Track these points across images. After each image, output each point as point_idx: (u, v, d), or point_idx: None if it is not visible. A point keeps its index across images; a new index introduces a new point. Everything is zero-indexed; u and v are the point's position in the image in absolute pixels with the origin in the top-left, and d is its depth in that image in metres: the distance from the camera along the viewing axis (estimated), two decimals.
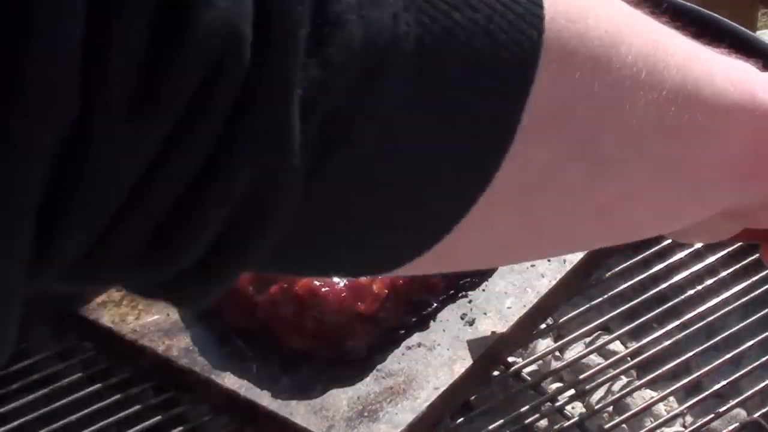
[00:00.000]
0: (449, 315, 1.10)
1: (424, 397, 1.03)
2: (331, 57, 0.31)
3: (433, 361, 1.06)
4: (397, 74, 0.33)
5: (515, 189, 0.38)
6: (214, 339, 1.10)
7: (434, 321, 1.10)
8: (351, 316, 1.08)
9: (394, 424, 1.01)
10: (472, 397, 1.11)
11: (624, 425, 1.11)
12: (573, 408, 1.13)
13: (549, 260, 1.16)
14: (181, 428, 1.08)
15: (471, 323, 1.10)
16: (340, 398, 1.03)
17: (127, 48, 0.27)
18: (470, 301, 1.12)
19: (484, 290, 1.13)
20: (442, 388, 1.04)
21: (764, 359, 1.13)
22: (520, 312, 1.11)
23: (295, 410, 1.02)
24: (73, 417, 1.12)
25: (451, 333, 1.09)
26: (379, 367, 1.06)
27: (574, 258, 1.16)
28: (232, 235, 0.32)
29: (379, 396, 1.03)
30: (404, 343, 1.08)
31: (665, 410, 1.15)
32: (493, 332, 1.09)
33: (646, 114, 0.40)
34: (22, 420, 1.13)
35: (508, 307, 1.11)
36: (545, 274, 1.15)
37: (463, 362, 1.06)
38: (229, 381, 1.06)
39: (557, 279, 1.14)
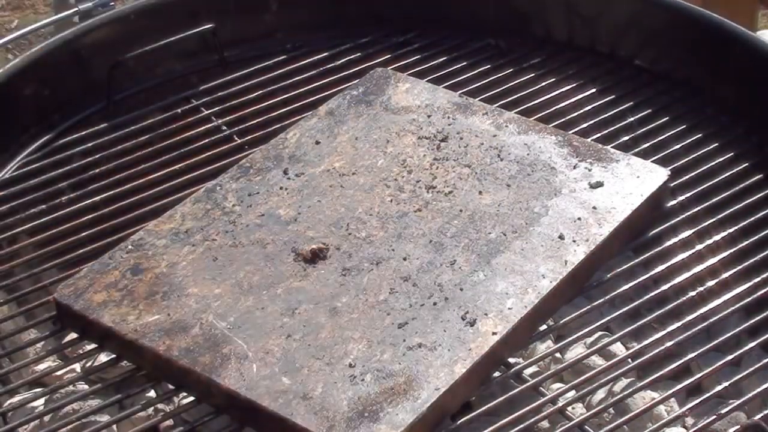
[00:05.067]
0: (450, 315, 1.10)
1: (425, 398, 1.03)
2: None
3: (434, 361, 1.06)
4: None
5: None
6: None
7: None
8: None
9: (395, 425, 1.01)
10: (472, 398, 1.11)
11: (625, 426, 1.11)
12: (574, 409, 1.13)
13: (550, 261, 1.16)
14: (181, 428, 1.08)
15: (472, 323, 1.10)
16: (341, 398, 1.03)
17: None
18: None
19: (485, 291, 1.13)
20: (443, 389, 1.04)
21: (765, 361, 1.13)
22: (521, 312, 1.11)
23: (295, 410, 1.02)
24: (73, 417, 1.12)
25: (451, 333, 1.09)
26: (379, 367, 1.06)
27: (576, 259, 1.16)
28: None
29: (379, 396, 1.03)
30: (404, 344, 1.08)
31: (666, 412, 1.15)
32: (494, 333, 1.09)
33: None
34: (21, 420, 1.13)
35: (509, 308, 1.11)
36: (546, 274, 1.15)
37: (464, 363, 1.06)
38: (229, 381, 1.05)
39: (558, 279, 1.14)
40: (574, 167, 1.28)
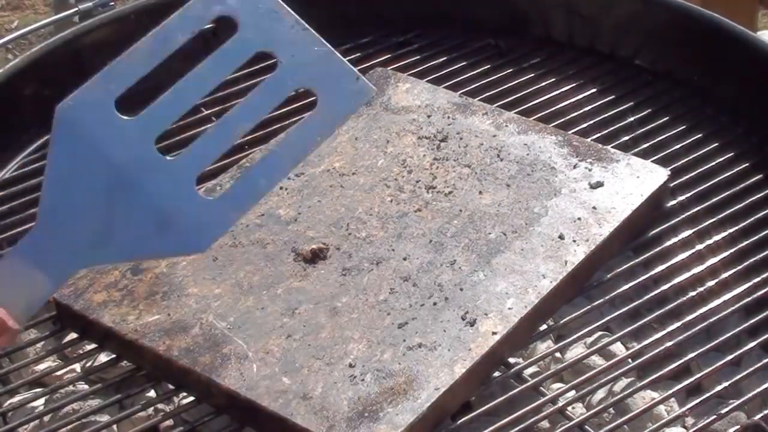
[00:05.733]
0: (450, 315, 1.11)
1: (425, 398, 1.03)
2: None
3: (434, 361, 1.06)
4: None
5: None
6: None
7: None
8: None
9: (395, 425, 1.01)
10: (472, 398, 1.11)
11: (625, 426, 1.11)
12: (574, 409, 1.13)
13: (550, 261, 1.16)
14: (181, 428, 1.08)
15: (472, 324, 1.10)
16: (341, 398, 1.03)
17: None
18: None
19: (485, 291, 1.13)
20: (443, 389, 1.04)
21: (765, 361, 1.13)
22: (521, 312, 1.11)
23: (295, 410, 1.02)
24: (73, 417, 1.12)
25: (451, 333, 1.09)
26: (379, 367, 1.06)
27: (576, 259, 1.16)
28: None
29: (379, 396, 1.03)
30: (404, 344, 1.08)
31: (666, 411, 1.15)
32: (494, 333, 1.09)
33: None
34: (21, 420, 1.13)
35: (509, 308, 1.11)
36: (546, 274, 1.15)
37: (464, 363, 1.06)
38: (230, 381, 1.05)
39: (558, 279, 1.14)
40: (574, 167, 1.28)
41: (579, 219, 1.21)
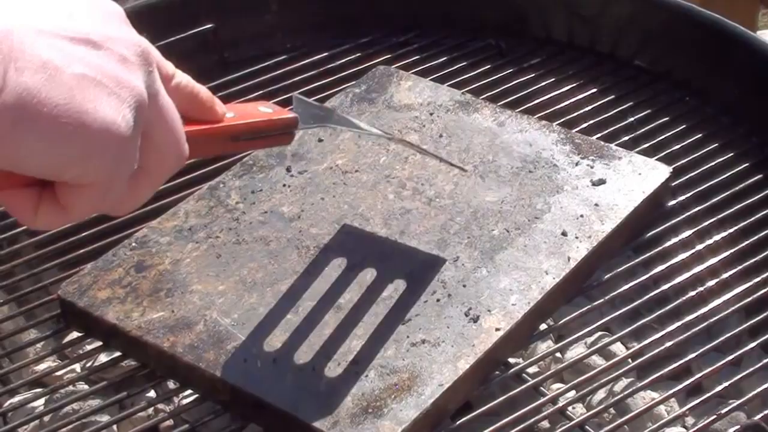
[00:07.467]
0: (453, 312, 1.11)
1: (429, 394, 1.03)
2: None
3: (438, 357, 1.06)
4: None
5: None
6: None
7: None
8: None
9: (399, 420, 1.01)
10: (473, 396, 1.11)
11: (625, 426, 1.11)
12: (574, 409, 1.13)
13: (553, 257, 1.16)
14: (181, 428, 1.08)
15: (475, 320, 1.10)
16: (345, 394, 1.03)
17: None
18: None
19: (488, 287, 1.13)
20: (447, 385, 1.04)
21: (765, 361, 1.13)
22: (524, 309, 1.11)
23: (299, 406, 1.02)
24: (73, 417, 1.12)
25: (455, 330, 1.09)
26: (383, 363, 1.06)
27: (578, 255, 1.17)
28: None
29: (383, 392, 1.03)
30: (408, 340, 1.08)
31: (666, 411, 1.15)
32: (497, 329, 1.09)
33: None
34: (21, 420, 1.13)
35: (513, 304, 1.11)
36: (549, 270, 1.15)
37: (468, 359, 1.06)
38: (234, 377, 1.05)
39: (561, 276, 1.14)
40: (577, 164, 1.28)
41: (581, 216, 1.21)
